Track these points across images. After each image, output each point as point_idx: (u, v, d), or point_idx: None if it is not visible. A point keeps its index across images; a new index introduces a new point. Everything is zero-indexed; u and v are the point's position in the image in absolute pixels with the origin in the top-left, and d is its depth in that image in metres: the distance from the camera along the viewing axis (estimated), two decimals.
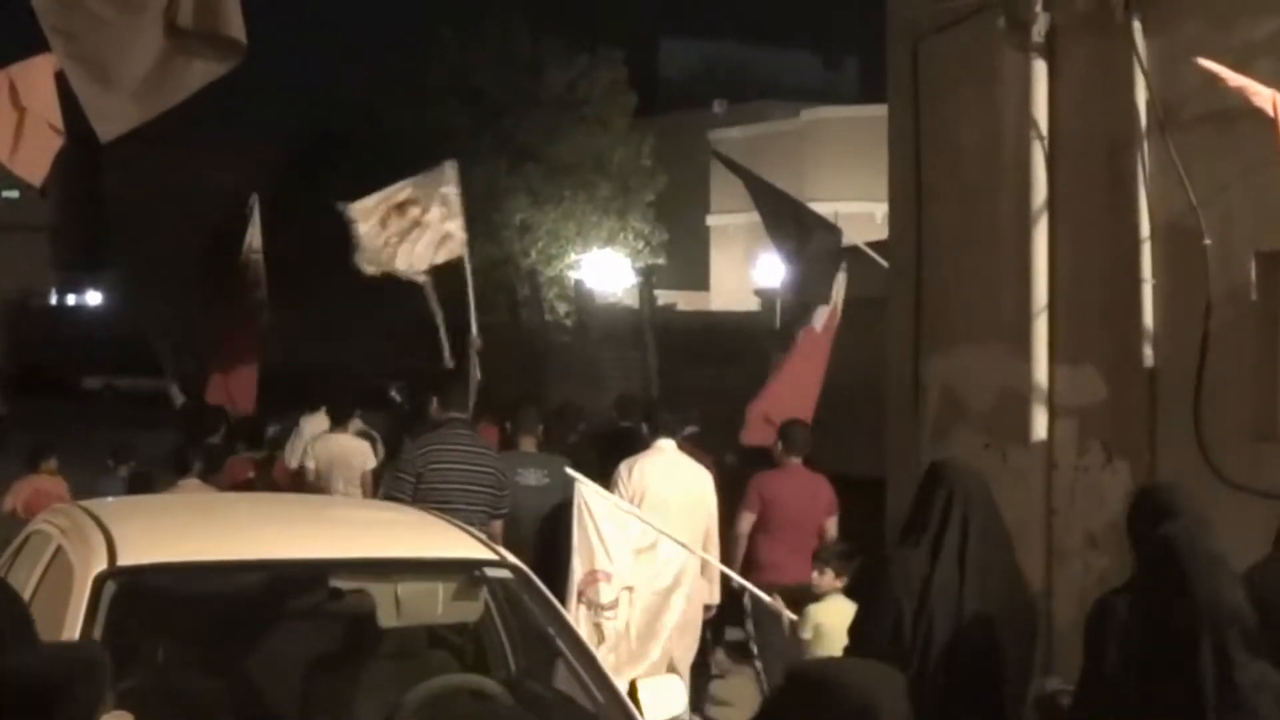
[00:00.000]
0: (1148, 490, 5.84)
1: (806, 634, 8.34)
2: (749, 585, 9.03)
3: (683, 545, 8.55)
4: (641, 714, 5.73)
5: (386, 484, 9.56)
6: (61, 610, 5.34)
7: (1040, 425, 8.93)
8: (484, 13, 34.56)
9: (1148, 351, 8.40)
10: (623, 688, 5.87)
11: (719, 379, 21.56)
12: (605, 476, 9.26)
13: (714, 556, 9.46)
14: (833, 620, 7.81)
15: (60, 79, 7.41)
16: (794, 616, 8.53)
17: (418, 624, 6.16)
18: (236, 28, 6.86)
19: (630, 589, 8.31)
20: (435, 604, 5.94)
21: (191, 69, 6.96)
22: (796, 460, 10.08)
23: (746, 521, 9.97)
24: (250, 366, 14.21)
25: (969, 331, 9.62)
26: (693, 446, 10.29)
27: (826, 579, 8.40)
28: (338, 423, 11.85)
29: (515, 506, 9.39)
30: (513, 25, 34.64)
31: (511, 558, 6.23)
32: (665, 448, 9.51)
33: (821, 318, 12.72)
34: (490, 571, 6.08)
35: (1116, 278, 8.57)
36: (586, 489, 8.32)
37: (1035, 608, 6.01)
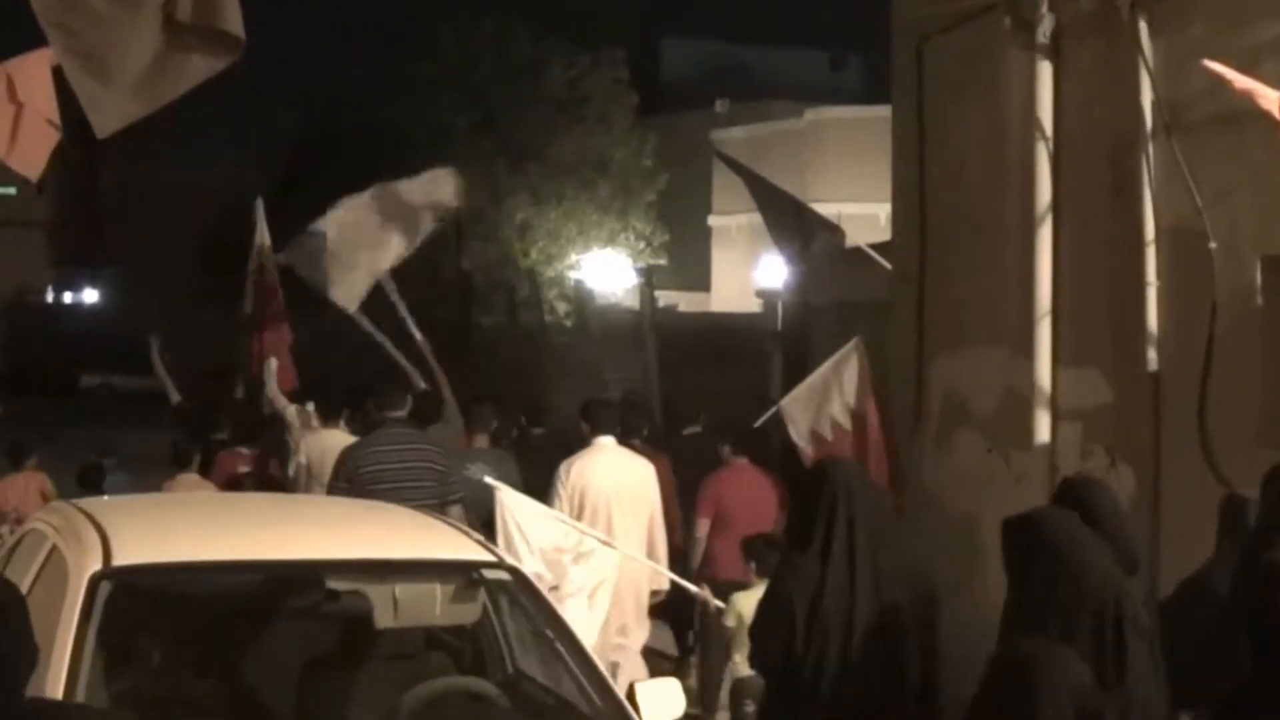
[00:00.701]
0: (1065, 482, 6.21)
1: (730, 622, 8.84)
2: (676, 578, 9.38)
3: (605, 542, 8.70)
4: (640, 717, 5.73)
5: (328, 489, 9.66)
6: (56, 610, 5.34)
7: (1043, 429, 8.93)
8: (484, 11, 34.56)
9: (1152, 355, 8.39)
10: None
11: (720, 380, 21.58)
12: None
13: (661, 547, 9.74)
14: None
15: (58, 73, 7.41)
16: (721, 605, 8.88)
17: (415, 626, 6.16)
18: (235, 23, 6.85)
19: (555, 589, 8.38)
20: (433, 606, 5.94)
21: (189, 64, 6.95)
22: (744, 460, 10.46)
23: (703, 526, 10.40)
24: (287, 361, 14.07)
25: (972, 334, 9.62)
26: (647, 446, 10.70)
27: (754, 569, 8.89)
28: (326, 419, 11.79)
29: (464, 497, 9.60)
30: (513, 24, 34.65)
31: (510, 559, 6.24)
32: (605, 445, 9.69)
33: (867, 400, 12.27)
34: (488, 573, 6.08)
35: (1121, 281, 8.56)
36: (504, 494, 8.49)
37: (936, 602, 6.09)
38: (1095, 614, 5.02)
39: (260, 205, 14.50)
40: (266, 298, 14.09)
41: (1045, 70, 8.96)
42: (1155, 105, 8.34)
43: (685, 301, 35.18)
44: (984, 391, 9.52)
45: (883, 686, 5.77)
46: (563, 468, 9.57)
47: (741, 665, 8.65)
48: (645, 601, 9.74)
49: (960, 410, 9.71)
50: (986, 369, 9.48)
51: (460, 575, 5.99)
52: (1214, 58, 7.31)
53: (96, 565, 5.53)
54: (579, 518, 9.13)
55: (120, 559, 5.59)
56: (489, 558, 6.13)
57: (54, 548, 5.97)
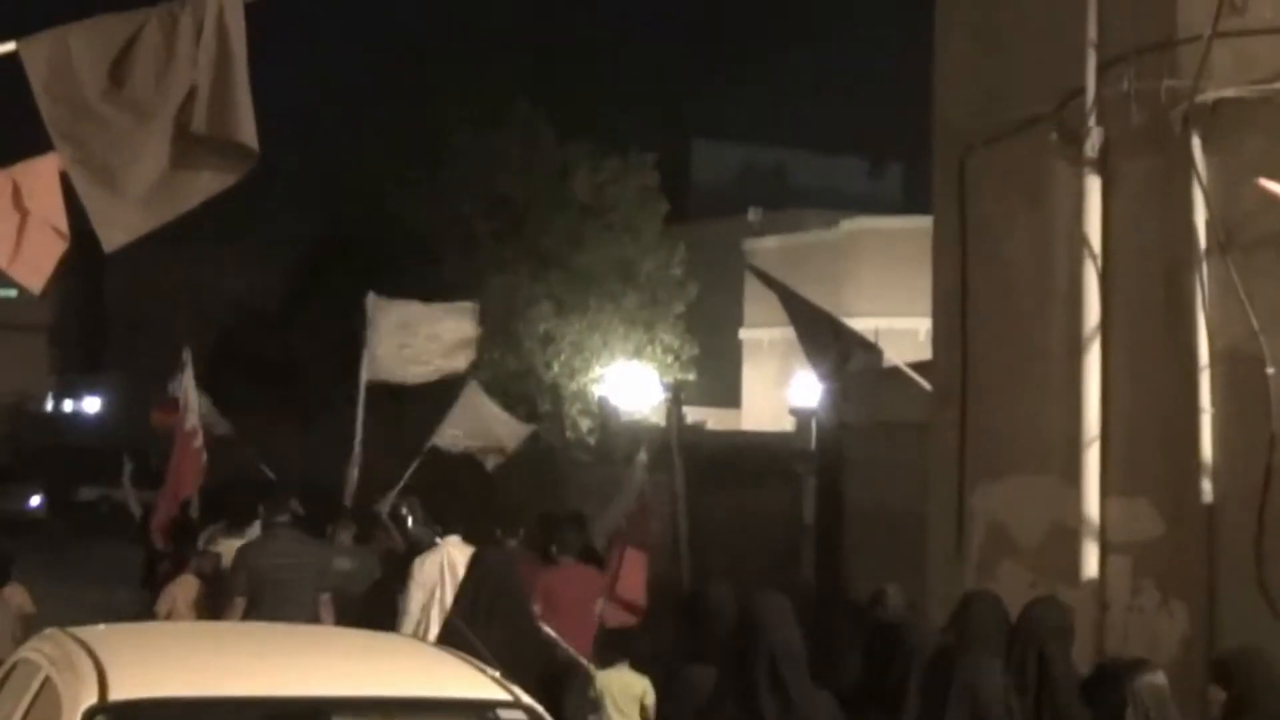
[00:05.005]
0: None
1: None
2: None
3: None
4: None
5: (227, 580, 11.81)
6: None
7: (1091, 562, 8.88)
8: (508, 113, 34.77)
9: (1206, 485, 8.36)
10: None
11: (751, 502, 21.49)
12: None
13: None
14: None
15: (65, 179, 7.47)
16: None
17: None
18: (249, 134, 6.91)
19: None
20: None
21: (201, 177, 7.02)
22: (569, 559, 12.09)
23: (537, 607, 11.94)
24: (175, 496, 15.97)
25: (1017, 461, 9.60)
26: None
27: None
28: (237, 527, 13.60)
29: (332, 586, 12.09)
30: (538, 126, 34.84)
31: (526, 698, 6.19)
32: (450, 542, 12.19)
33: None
34: (504, 713, 6.03)
35: (1173, 406, 8.55)
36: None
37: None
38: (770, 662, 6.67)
39: (188, 355, 15.66)
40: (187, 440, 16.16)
41: (1094, 185, 9.01)
42: (1209, 223, 8.36)
43: (714, 419, 35.08)
44: (1028, 521, 9.48)
45: None
46: (416, 561, 12.09)
47: None
48: None
49: (1003, 540, 9.66)
50: (1031, 497, 9.45)
51: (474, 715, 5.94)
52: (1270, 174, 7.34)
53: (92, 699, 5.51)
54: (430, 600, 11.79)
55: (117, 693, 5.56)
56: (505, 696, 6.08)
57: (47, 679, 5.94)
